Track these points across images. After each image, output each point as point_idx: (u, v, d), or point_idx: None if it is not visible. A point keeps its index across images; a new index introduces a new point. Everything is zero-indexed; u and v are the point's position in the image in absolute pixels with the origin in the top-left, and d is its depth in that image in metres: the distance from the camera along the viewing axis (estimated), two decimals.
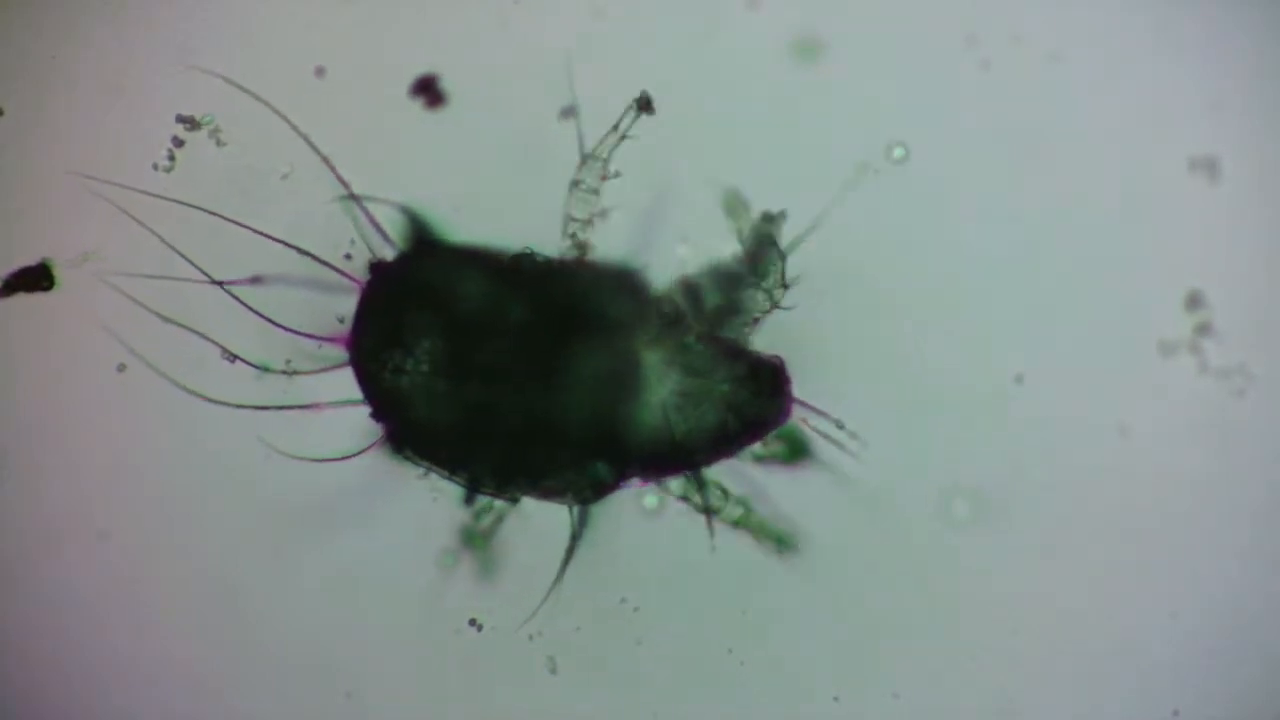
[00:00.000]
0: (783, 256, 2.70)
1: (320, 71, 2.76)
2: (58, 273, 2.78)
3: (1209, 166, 2.72)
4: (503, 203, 2.73)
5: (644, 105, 2.69)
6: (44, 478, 2.83)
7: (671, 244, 2.73)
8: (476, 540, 2.78)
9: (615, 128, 2.69)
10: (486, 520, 2.77)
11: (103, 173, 2.72)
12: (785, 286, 2.70)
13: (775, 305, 2.70)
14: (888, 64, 2.75)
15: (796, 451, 2.76)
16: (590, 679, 2.83)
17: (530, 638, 2.79)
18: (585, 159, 2.69)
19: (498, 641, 2.82)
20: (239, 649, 2.85)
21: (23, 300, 2.78)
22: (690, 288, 2.70)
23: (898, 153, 2.74)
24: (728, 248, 2.72)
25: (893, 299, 2.76)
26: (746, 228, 2.71)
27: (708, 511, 2.75)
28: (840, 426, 2.73)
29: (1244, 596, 2.78)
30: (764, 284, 2.69)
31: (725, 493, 2.76)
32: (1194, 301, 2.74)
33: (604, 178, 2.69)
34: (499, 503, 2.75)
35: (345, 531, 2.81)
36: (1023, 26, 2.73)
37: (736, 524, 2.77)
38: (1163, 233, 2.75)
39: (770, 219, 2.71)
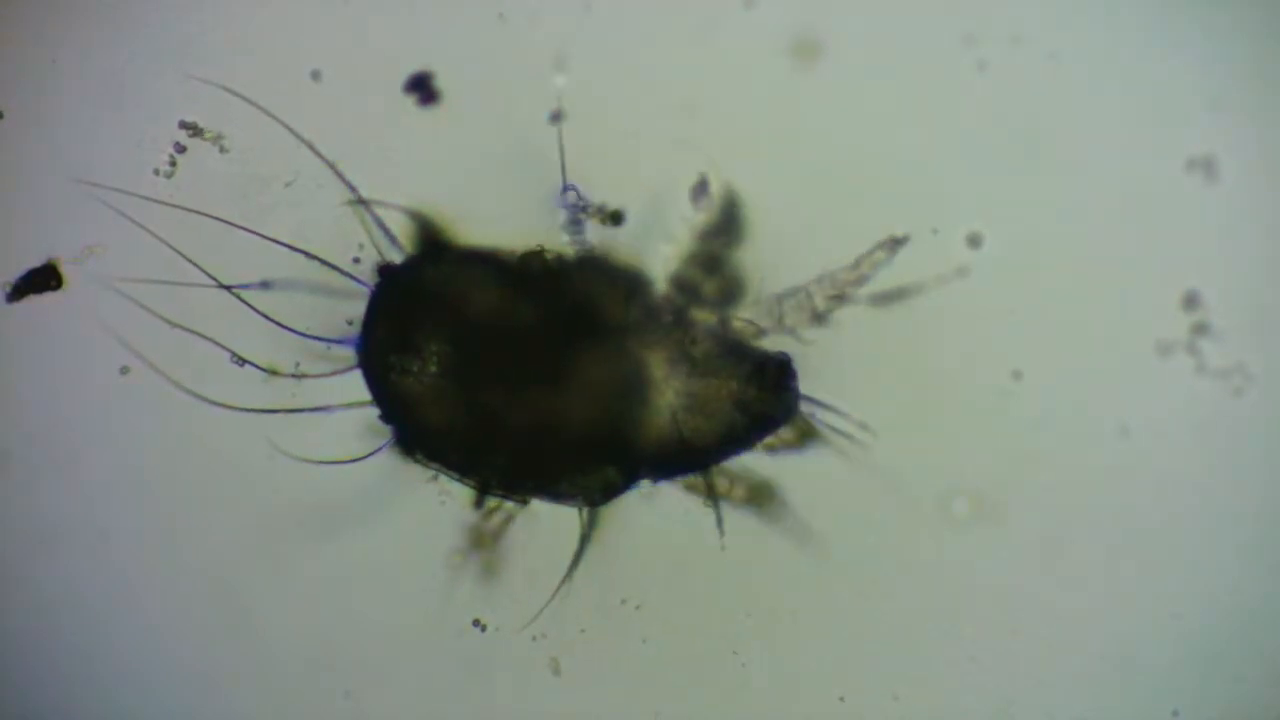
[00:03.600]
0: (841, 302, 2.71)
1: (316, 75, 2.77)
2: (64, 271, 2.79)
3: (1206, 166, 2.72)
4: (499, 200, 2.73)
5: (615, 219, 2.71)
6: (45, 478, 2.84)
7: (667, 243, 2.73)
8: (484, 541, 2.79)
9: (586, 208, 2.70)
10: (495, 521, 2.78)
11: (104, 177, 2.73)
12: (820, 321, 2.71)
13: (793, 331, 2.71)
14: (885, 64, 2.75)
15: (804, 435, 2.76)
16: (593, 680, 2.84)
17: (534, 638, 2.80)
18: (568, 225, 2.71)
19: (500, 642, 2.82)
20: (239, 649, 2.86)
21: (27, 302, 2.79)
22: (684, 283, 2.70)
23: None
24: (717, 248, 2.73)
25: (890, 299, 2.76)
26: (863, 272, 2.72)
27: (717, 511, 2.75)
28: (849, 418, 2.73)
29: (1244, 597, 2.77)
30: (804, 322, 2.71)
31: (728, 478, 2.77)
32: (1191, 301, 2.73)
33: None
34: (508, 504, 2.76)
35: (350, 533, 2.82)
36: (1021, 26, 2.73)
37: (738, 501, 2.77)
38: (1159, 232, 2.74)
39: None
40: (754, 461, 2.78)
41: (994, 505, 2.79)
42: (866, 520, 2.79)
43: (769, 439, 2.75)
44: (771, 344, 2.73)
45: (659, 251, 2.72)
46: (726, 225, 2.71)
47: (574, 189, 2.68)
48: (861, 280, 2.70)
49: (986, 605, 2.80)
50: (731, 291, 2.71)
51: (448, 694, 2.87)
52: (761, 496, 2.78)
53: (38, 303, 2.79)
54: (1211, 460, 2.76)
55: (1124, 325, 2.75)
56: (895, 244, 2.70)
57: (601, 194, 2.71)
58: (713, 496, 2.75)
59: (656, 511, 2.79)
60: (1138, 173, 2.74)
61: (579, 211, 2.69)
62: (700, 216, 2.71)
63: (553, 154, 2.70)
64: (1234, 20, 2.73)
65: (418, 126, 2.77)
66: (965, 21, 2.73)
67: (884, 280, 2.73)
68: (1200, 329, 2.73)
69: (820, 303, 2.70)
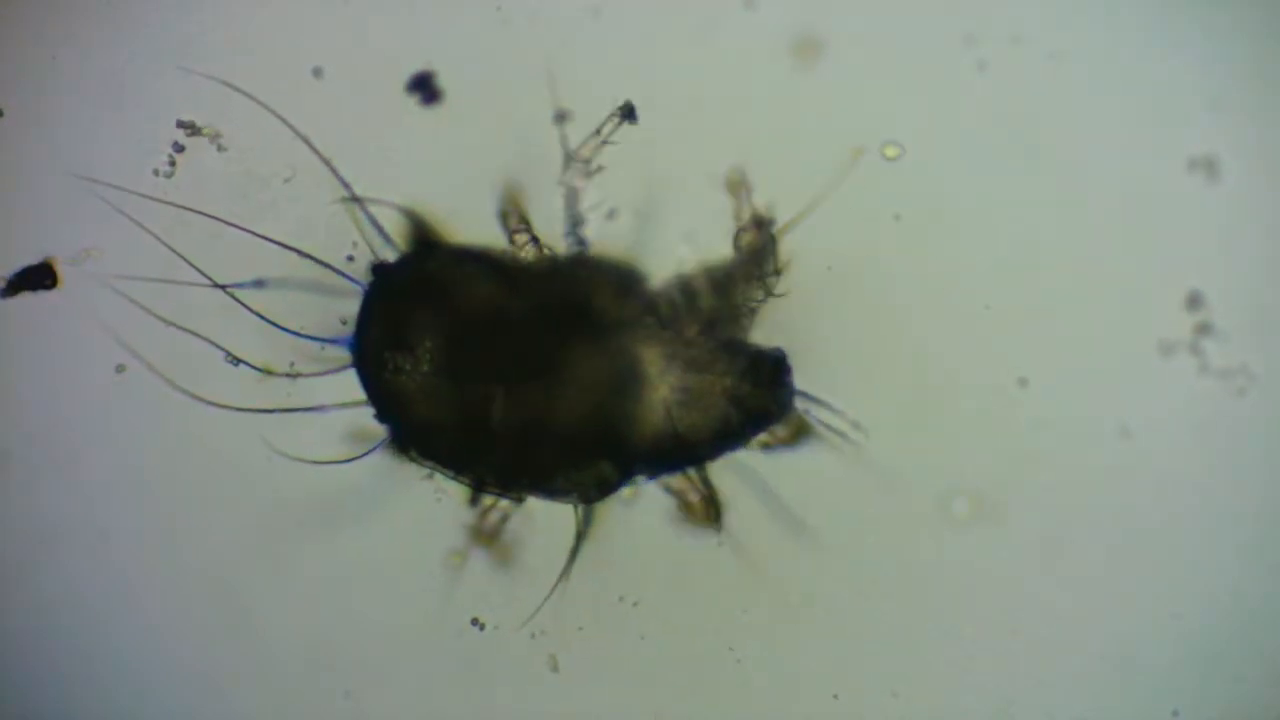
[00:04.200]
0: (775, 241, 2.70)
1: (318, 72, 2.77)
2: (60, 270, 2.79)
3: (1208, 166, 2.72)
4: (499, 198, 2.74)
5: (627, 114, 2.70)
6: (44, 478, 2.84)
7: (669, 243, 2.73)
8: (484, 539, 2.79)
9: (597, 132, 2.69)
10: (492, 519, 2.78)
11: (103, 176, 2.73)
12: (779, 272, 2.70)
13: (770, 293, 2.70)
14: (886, 64, 2.74)
15: (799, 433, 2.76)
16: (591, 677, 2.84)
17: (533, 636, 2.80)
18: (568, 160, 2.69)
19: (499, 640, 2.82)
20: (239, 649, 2.86)
21: (24, 301, 2.79)
22: (685, 285, 2.70)
23: (889, 152, 2.74)
24: (724, 242, 2.73)
25: (893, 300, 2.76)
26: (745, 209, 2.71)
27: (713, 506, 2.75)
28: (843, 415, 2.73)
29: (1244, 597, 2.77)
30: (758, 271, 2.69)
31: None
32: (1193, 302, 2.73)
33: (587, 176, 2.70)
34: (504, 501, 2.76)
35: (348, 532, 2.82)
36: (1021, 26, 2.73)
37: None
38: (1162, 233, 2.74)
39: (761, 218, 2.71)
40: (726, 468, 2.78)
41: (994, 505, 2.79)
42: (866, 520, 2.79)
43: (764, 436, 2.75)
44: (771, 329, 2.72)
45: (670, 251, 2.72)
46: (760, 265, 2.71)
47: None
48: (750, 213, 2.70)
49: (986, 605, 2.80)
50: (729, 300, 2.71)
51: (448, 693, 2.87)
52: (712, 511, 2.78)
53: (34, 302, 2.79)
54: (1213, 460, 2.76)
55: (1126, 325, 2.75)
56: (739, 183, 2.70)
57: (601, 193, 2.71)
58: (710, 493, 2.75)
59: (653, 508, 2.79)
60: (1139, 173, 2.74)
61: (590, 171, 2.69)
62: (746, 262, 2.71)
63: (552, 154, 2.70)
64: (1234, 20, 2.73)
65: (419, 125, 2.77)
66: (965, 21, 2.73)
67: (885, 287, 2.74)
68: (1203, 329, 2.73)
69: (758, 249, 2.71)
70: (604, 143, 2.70)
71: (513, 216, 2.70)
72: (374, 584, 2.85)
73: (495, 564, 2.80)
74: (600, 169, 2.70)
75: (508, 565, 2.80)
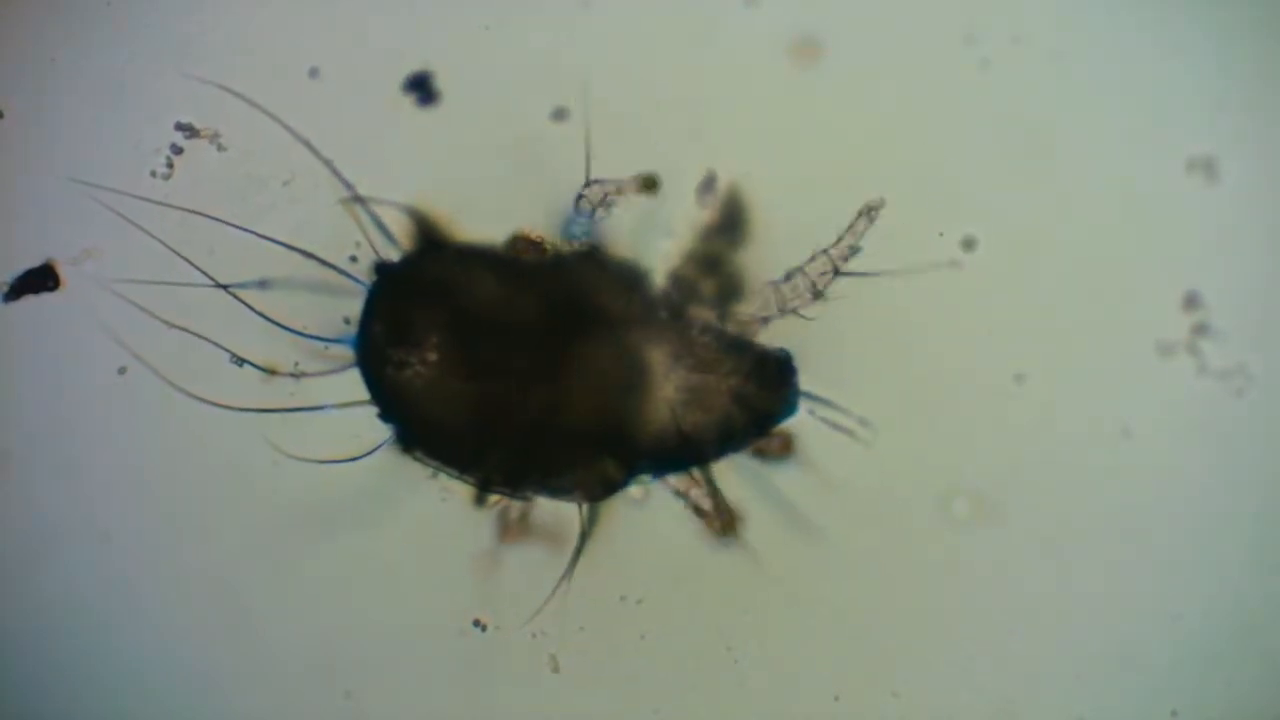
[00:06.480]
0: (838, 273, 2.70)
1: (314, 73, 2.77)
2: (61, 272, 2.79)
3: (1207, 166, 2.72)
4: (498, 200, 2.73)
5: (648, 186, 2.70)
6: (45, 479, 2.84)
7: (667, 239, 2.73)
8: (514, 535, 2.78)
9: (618, 190, 2.69)
10: (514, 513, 2.77)
11: (102, 177, 2.73)
12: (819, 297, 2.71)
13: (795, 311, 2.71)
14: (886, 63, 2.75)
15: (787, 448, 2.76)
16: (592, 678, 2.84)
17: (533, 636, 2.80)
18: (582, 194, 2.70)
19: (500, 640, 2.82)
20: (239, 649, 2.86)
21: (25, 302, 2.79)
22: (683, 280, 2.70)
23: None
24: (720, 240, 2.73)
25: (893, 300, 2.76)
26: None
27: (717, 505, 2.75)
28: (850, 415, 2.73)
29: (1244, 597, 2.77)
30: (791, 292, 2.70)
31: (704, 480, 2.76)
32: (1191, 302, 2.73)
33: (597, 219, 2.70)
34: (509, 499, 2.76)
35: (349, 532, 2.82)
36: (1022, 26, 2.73)
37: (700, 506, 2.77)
38: (1159, 233, 2.75)
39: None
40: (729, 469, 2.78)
41: (994, 505, 2.79)
42: (867, 520, 2.79)
43: (760, 444, 2.74)
44: (774, 331, 2.72)
45: (659, 247, 2.72)
46: (731, 224, 2.71)
47: (596, 183, 2.68)
48: (852, 252, 2.69)
49: (986, 605, 2.80)
50: (731, 288, 2.71)
51: (448, 694, 2.87)
52: (728, 522, 2.78)
53: (36, 303, 2.79)
54: (1212, 460, 2.76)
55: (1125, 326, 2.75)
56: (872, 210, 2.69)
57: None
58: (713, 490, 2.75)
59: (656, 507, 2.79)
60: (1138, 173, 2.74)
61: (603, 207, 2.68)
62: (705, 213, 2.71)
63: (550, 154, 2.70)
64: (1234, 20, 2.73)
65: (417, 124, 2.77)
66: (966, 21, 2.73)
67: (881, 270, 2.73)
68: (1201, 330, 2.73)
69: (817, 281, 2.69)
70: (619, 194, 2.70)
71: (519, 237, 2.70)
72: (375, 584, 2.85)
73: (547, 550, 2.79)
74: (611, 211, 2.71)
75: (559, 546, 2.79)
